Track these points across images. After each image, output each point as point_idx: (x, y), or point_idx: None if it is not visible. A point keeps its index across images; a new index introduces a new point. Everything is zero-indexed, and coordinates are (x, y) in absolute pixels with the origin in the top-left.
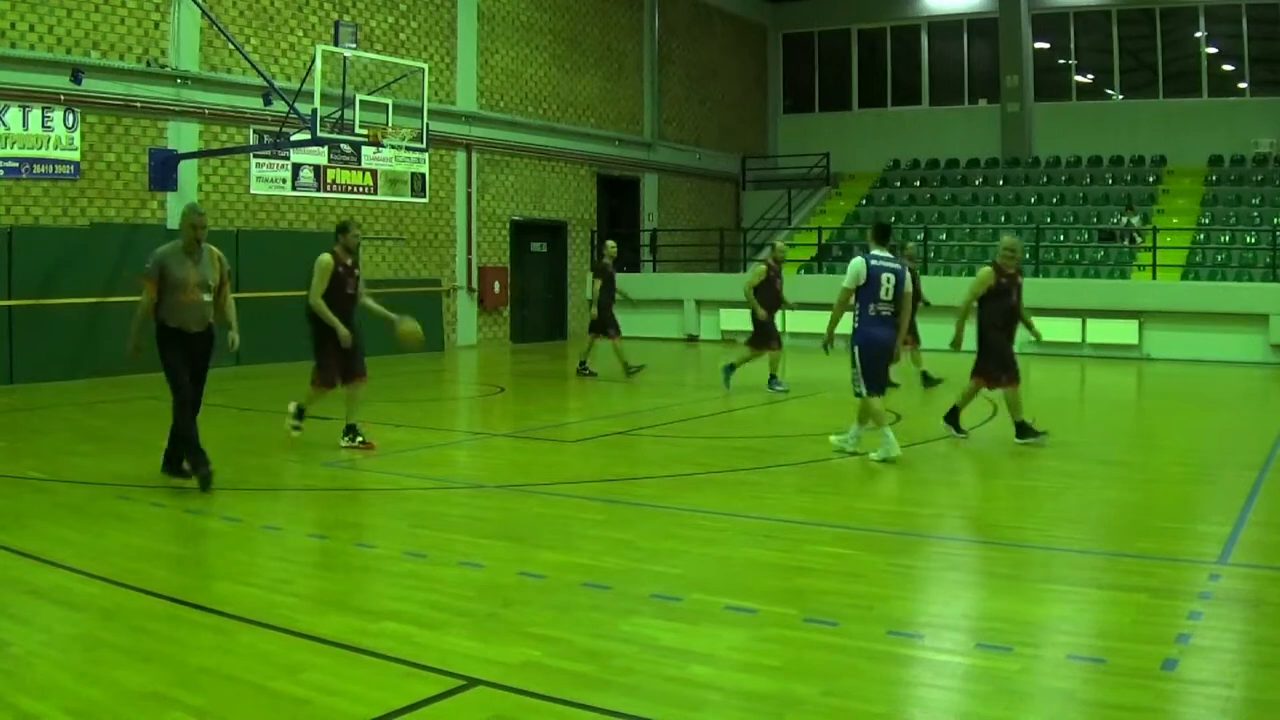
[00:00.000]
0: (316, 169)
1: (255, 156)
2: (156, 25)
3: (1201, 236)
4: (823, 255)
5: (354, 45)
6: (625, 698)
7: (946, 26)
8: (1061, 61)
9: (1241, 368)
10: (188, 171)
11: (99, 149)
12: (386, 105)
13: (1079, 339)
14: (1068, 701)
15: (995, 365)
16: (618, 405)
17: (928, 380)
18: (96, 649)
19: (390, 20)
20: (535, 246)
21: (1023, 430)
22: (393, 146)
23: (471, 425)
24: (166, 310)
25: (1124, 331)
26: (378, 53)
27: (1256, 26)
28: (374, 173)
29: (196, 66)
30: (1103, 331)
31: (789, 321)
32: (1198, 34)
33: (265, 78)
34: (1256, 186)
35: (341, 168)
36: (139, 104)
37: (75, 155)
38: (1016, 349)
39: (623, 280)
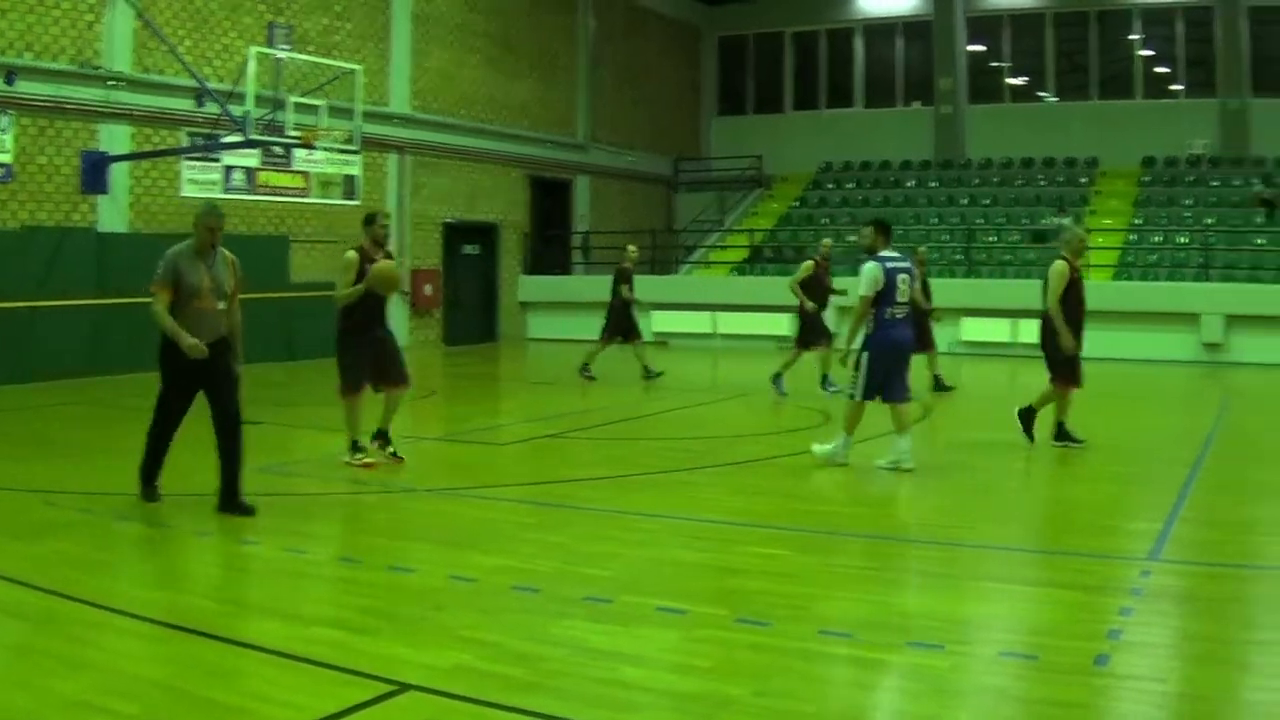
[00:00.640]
0: (248, 171)
1: (187, 159)
2: (90, 26)
3: (1134, 237)
4: (755, 257)
5: (288, 47)
6: (556, 700)
7: (881, 29)
8: (995, 64)
9: (1173, 366)
10: (119, 174)
11: (31, 151)
12: (320, 107)
13: (1010, 339)
14: (1000, 698)
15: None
16: (551, 407)
17: (939, 386)
18: (28, 656)
19: (324, 22)
20: (467, 249)
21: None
22: (325, 149)
23: (403, 428)
24: (175, 320)
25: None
26: (311, 54)
27: (1191, 29)
28: (306, 175)
29: (129, 68)
30: (1035, 331)
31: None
32: (1132, 36)
33: (198, 79)
34: (1189, 187)
35: (274, 170)
36: (71, 106)
37: (8, 158)
38: (945, 348)
39: (559, 283)
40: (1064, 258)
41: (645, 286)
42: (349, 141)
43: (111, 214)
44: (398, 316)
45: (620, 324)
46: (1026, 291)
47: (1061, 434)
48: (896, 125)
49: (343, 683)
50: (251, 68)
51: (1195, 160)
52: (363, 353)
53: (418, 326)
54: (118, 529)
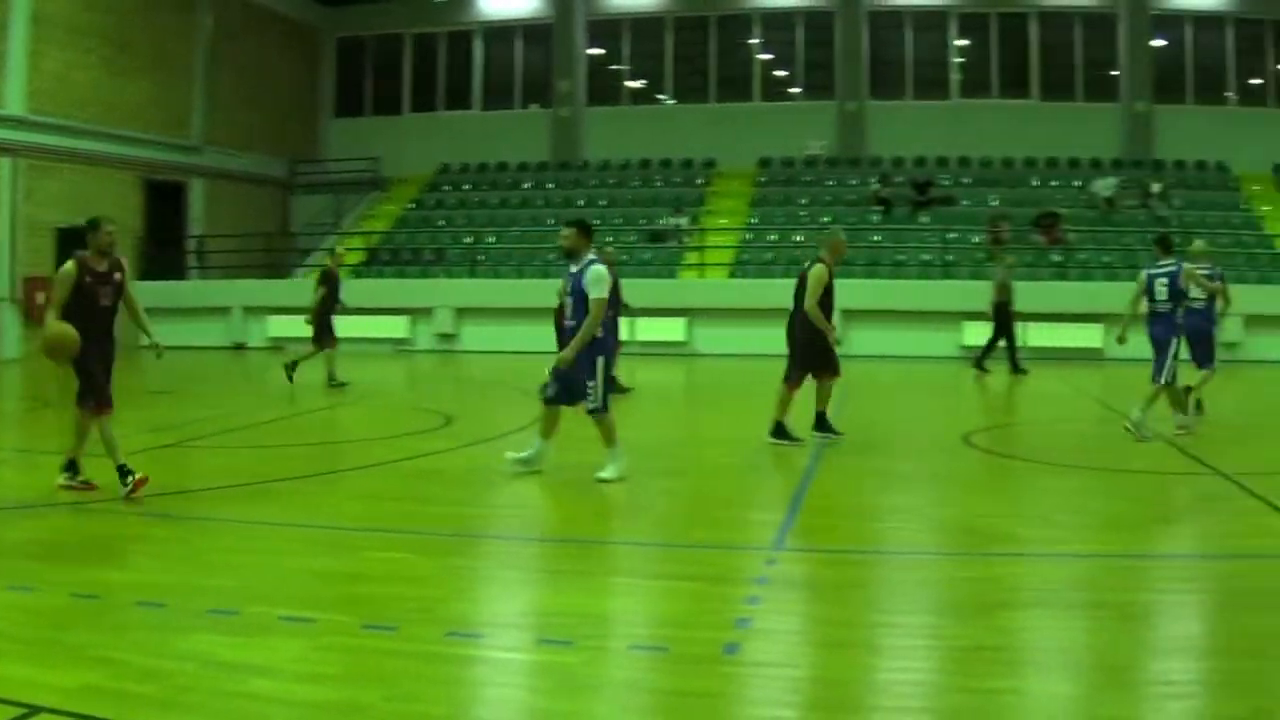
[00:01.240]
0: None
1: None
2: None
3: (749, 236)
4: (373, 260)
5: None
6: (188, 716)
7: (501, 31)
8: (615, 66)
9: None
10: None
11: None
12: None
13: (628, 336)
14: (632, 691)
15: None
16: (169, 416)
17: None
18: None
19: None
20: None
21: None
22: None
23: (17, 442)
24: None
25: (672, 329)
26: None
27: (810, 33)
28: None
29: None
30: (652, 329)
31: (341, 326)
32: (752, 40)
33: None
34: (805, 187)
35: None
36: None
37: None
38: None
39: (173, 288)
40: (823, 261)
41: (260, 291)
42: None
43: None
44: (9, 327)
45: (321, 329)
46: (644, 290)
47: (822, 424)
48: (515, 127)
49: None
50: None
51: (812, 161)
52: (104, 373)
53: (31, 336)
54: None
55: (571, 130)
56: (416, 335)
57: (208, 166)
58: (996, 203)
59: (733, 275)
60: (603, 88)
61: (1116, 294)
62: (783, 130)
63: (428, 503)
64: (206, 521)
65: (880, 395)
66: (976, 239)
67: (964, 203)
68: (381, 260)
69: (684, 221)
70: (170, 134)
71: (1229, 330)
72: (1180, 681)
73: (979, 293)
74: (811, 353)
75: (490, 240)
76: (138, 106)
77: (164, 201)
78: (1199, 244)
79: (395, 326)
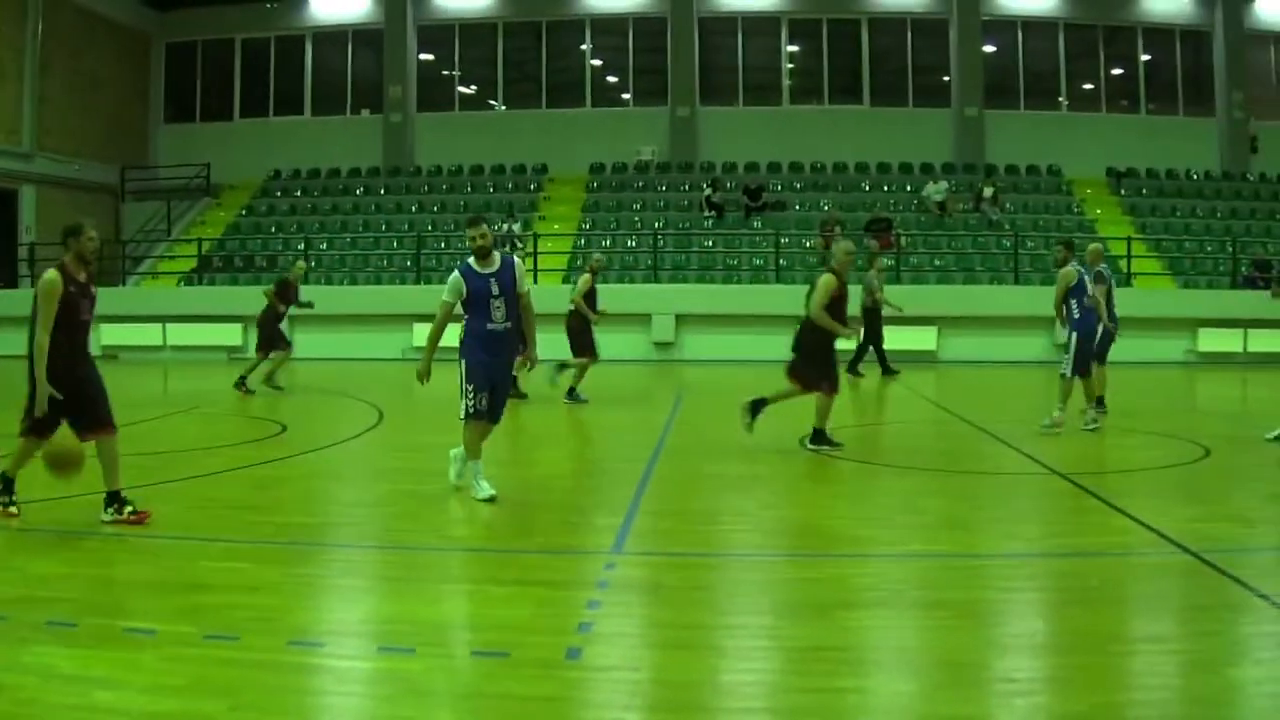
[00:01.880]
0: None
1: None
2: None
3: (582, 241)
4: (203, 267)
5: None
6: None
7: (331, 37)
8: (446, 72)
9: (627, 365)
10: None
11: None
12: None
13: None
14: (475, 697)
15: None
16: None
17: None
18: None
19: None
20: None
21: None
22: None
23: None
24: None
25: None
26: None
27: (641, 39)
28: None
29: None
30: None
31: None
32: (583, 46)
33: None
34: (637, 192)
35: None
36: None
37: None
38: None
39: (3, 297)
40: (834, 270)
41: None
42: None
43: None
44: None
45: (271, 335)
46: None
47: (820, 439)
48: (346, 133)
49: None
50: None
51: (644, 166)
52: (69, 395)
53: None
54: None
55: (403, 136)
56: (249, 343)
57: (38, 173)
58: (828, 207)
59: (566, 281)
60: (434, 93)
61: (949, 297)
62: (615, 136)
63: (267, 511)
64: (40, 533)
65: (717, 399)
66: (808, 243)
67: (796, 208)
68: (214, 268)
69: (517, 227)
70: (0, 141)
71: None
72: (1022, 679)
73: None
74: (814, 363)
75: (322, 247)
76: None
77: None
78: (1094, 247)
79: (228, 334)
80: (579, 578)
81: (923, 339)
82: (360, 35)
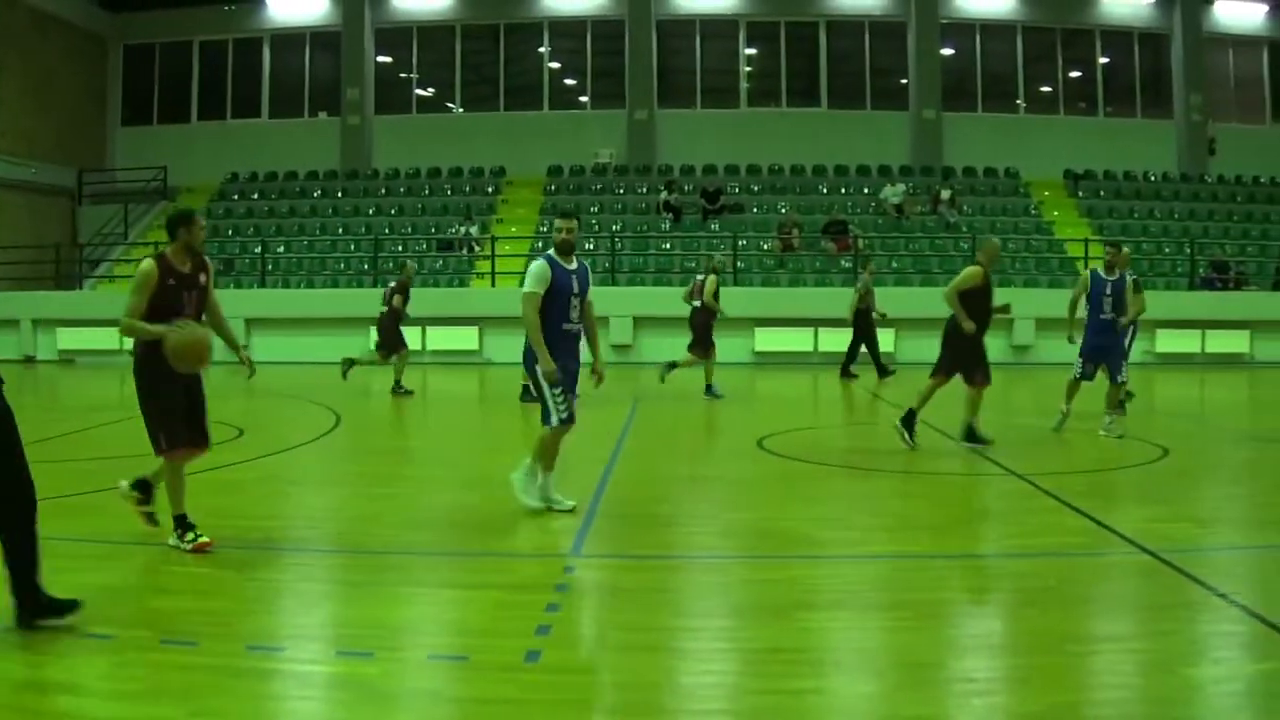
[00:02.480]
0: None
1: None
2: None
3: (540, 244)
4: None
5: None
6: None
7: (289, 39)
8: (404, 75)
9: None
10: None
11: None
12: None
13: (418, 346)
14: (434, 700)
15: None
16: None
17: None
18: None
19: None
20: None
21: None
22: None
23: None
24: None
25: (465, 338)
26: None
27: (599, 42)
28: None
29: None
30: (443, 339)
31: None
32: (541, 49)
33: None
34: (595, 195)
35: None
36: None
37: None
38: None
39: None
40: (979, 264)
41: (49, 303)
42: None
43: None
44: None
45: (394, 338)
46: (435, 299)
47: (971, 435)
48: (303, 135)
49: None
50: None
51: (601, 169)
52: (176, 399)
53: None
54: None
55: (360, 138)
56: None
57: None
58: (786, 210)
59: (523, 284)
60: (392, 96)
61: (906, 299)
62: (573, 139)
63: (224, 516)
64: None
65: (674, 402)
66: (766, 245)
67: (753, 210)
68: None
69: (474, 230)
70: None
71: (1020, 333)
72: (981, 679)
73: (770, 299)
74: (960, 354)
75: (279, 250)
76: None
77: None
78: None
79: None
80: (537, 580)
81: (880, 341)
82: (318, 37)
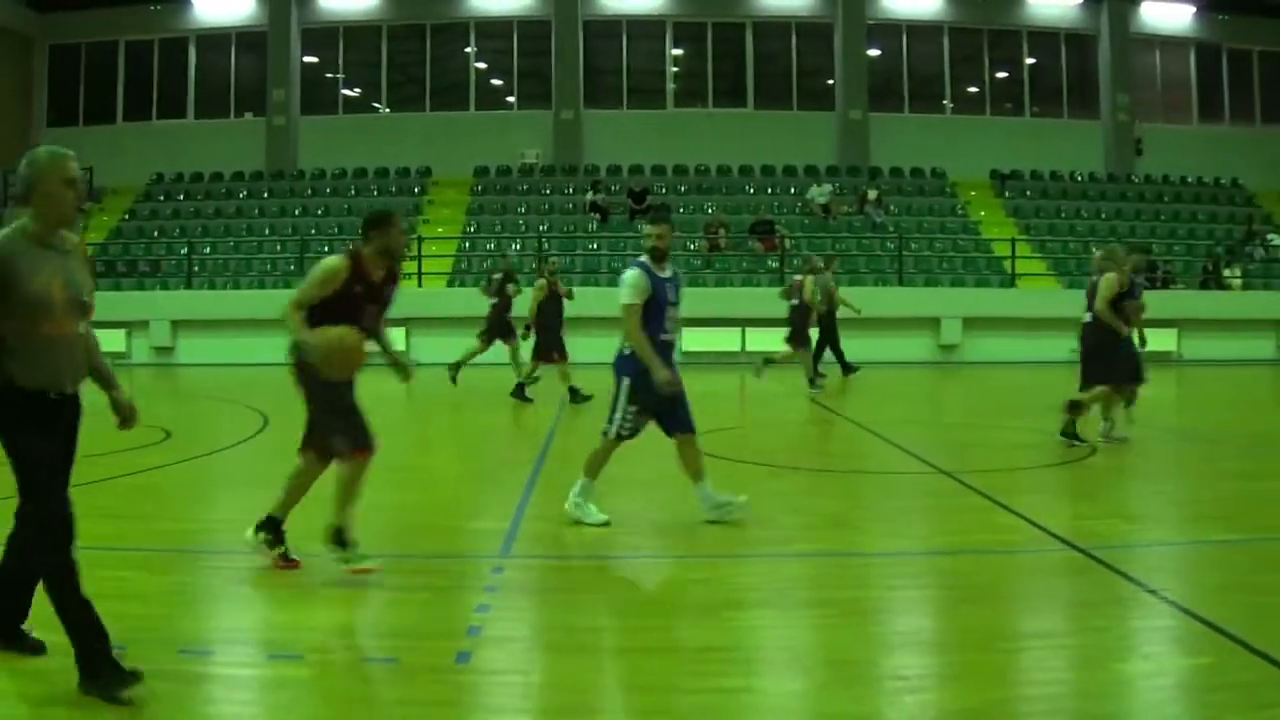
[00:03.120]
0: None
1: None
2: None
3: (467, 244)
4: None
5: None
6: None
7: (215, 39)
8: (330, 75)
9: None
10: None
11: None
12: None
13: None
14: (365, 703)
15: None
16: None
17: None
18: None
19: None
20: None
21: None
22: None
23: None
24: (20, 356)
25: (391, 338)
26: None
27: (525, 42)
28: None
29: None
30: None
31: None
32: (467, 49)
33: None
34: (522, 195)
35: None
36: None
37: None
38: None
39: None
40: (1116, 271)
41: None
42: None
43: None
44: None
45: (500, 327)
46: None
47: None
48: (229, 136)
49: None
50: None
51: (528, 169)
52: (348, 398)
53: None
54: None
55: (286, 139)
56: (133, 349)
57: None
58: (712, 210)
59: (450, 284)
60: (318, 96)
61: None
62: (499, 139)
63: (151, 519)
64: None
65: (600, 403)
66: (693, 245)
67: (680, 210)
68: (96, 272)
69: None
70: None
71: (947, 332)
72: (912, 676)
73: (697, 299)
74: (1097, 361)
75: (205, 251)
76: None
77: None
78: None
79: (111, 340)
80: (467, 582)
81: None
82: (244, 38)
